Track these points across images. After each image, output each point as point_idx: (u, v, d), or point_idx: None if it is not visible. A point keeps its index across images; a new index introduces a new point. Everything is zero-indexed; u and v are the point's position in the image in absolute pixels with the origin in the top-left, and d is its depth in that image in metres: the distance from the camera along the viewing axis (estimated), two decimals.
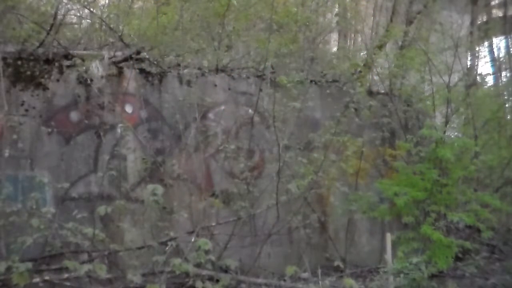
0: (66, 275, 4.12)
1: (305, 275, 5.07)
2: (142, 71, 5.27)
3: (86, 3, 5.83)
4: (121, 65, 5.21)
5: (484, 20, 10.94)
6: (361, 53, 7.84)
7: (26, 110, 4.71)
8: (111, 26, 5.65)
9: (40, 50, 4.93)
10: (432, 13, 7.87)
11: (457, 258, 5.24)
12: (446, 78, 6.41)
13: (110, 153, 4.87)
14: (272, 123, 5.17)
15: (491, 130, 7.26)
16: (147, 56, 5.41)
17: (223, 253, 4.84)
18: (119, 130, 4.98)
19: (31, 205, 4.12)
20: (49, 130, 4.78)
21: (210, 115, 5.51)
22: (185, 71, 5.43)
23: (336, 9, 8.29)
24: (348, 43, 8.97)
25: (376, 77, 7.03)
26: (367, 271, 5.54)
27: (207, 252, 4.46)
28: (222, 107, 5.58)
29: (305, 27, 6.59)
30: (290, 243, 5.63)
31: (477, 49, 9.27)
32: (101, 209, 3.96)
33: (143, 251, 4.56)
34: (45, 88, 4.83)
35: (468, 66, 8.52)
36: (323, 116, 6.04)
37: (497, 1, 11.55)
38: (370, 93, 6.44)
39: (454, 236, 5.40)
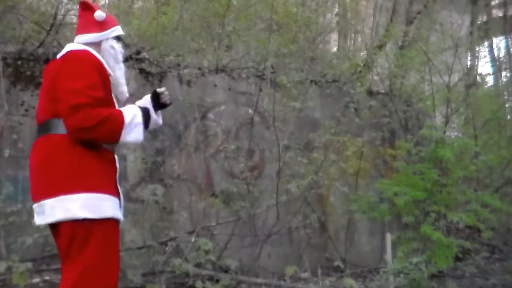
0: None
1: (305, 275, 5.08)
2: (142, 71, 5.27)
3: None
4: None
5: (484, 20, 10.93)
6: (361, 53, 7.84)
7: (26, 110, 4.70)
8: None
9: (40, 50, 4.93)
10: (432, 13, 7.87)
11: (457, 258, 5.24)
12: (446, 78, 6.41)
13: None
14: (272, 123, 5.17)
15: (491, 130, 7.25)
16: (147, 56, 5.41)
17: (223, 253, 4.84)
18: None
19: (31, 205, 4.12)
20: None
21: (210, 115, 5.51)
22: (185, 71, 5.43)
23: (336, 9, 8.29)
24: (348, 43, 8.97)
25: (376, 77, 7.03)
26: (367, 271, 5.54)
27: (207, 252, 4.47)
28: (222, 107, 5.58)
29: (305, 27, 6.58)
30: (290, 243, 5.63)
31: (477, 49, 9.26)
32: None
33: (143, 251, 4.57)
34: None
35: (468, 66, 8.52)
36: (323, 116, 6.05)
37: (497, 1, 11.55)
38: (370, 93, 6.44)
39: (454, 236, 5.40)
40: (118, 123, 2.00)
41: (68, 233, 1.95)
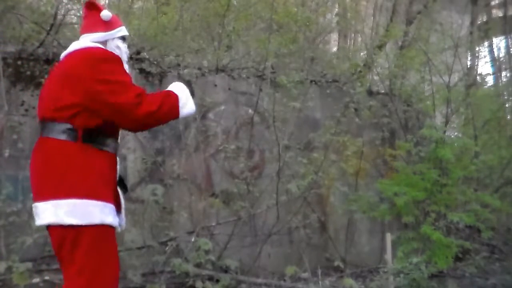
0: None
1: (305, 275, 5.08)
2: (142, 71, 5.27)
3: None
4: None
5: (484, 20, 10.93)
6: (361, 53, 7.84)
7: (26, 110, 4.71)
8: None
9: (40, 50, 4.93)
10: (432, 13, 7.87)
11: (457, 258, 5.24)
12: (446, 78, 6.41)
13: None
14: (272, 123, 5.17)
15: (491, 130, 7.26)
16: (147, 56, 5.41)
17: (223, 253, 4.85)
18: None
19: (31, 205, 4.12)
20: None
21: (210, 115, 5.51)
22: (185, 71, 5.43)
23: (336, 9, 8.29)
24: (348, 43, 8.97)
25: (376, 77, 7.03)
26: (367, 271, 5.54)
27: (207, 252, 4.47)
28: (222, 107, 5.58)
29: (305, 27, 6.58)
30: (290, 243, 5.63)
31: (477, 49, 9.26)
32: None
33: (143, 251, 4.57)
34: None
35: (468, 66, 8.51)
36: (323, 116, 6.05)
37: (497, 1, 11.54)
38: (370, 93, 6.44)
39: (454, 236, 5.40)
40: (174, 99, 2.10)
41: (57, 237, 1.96)
